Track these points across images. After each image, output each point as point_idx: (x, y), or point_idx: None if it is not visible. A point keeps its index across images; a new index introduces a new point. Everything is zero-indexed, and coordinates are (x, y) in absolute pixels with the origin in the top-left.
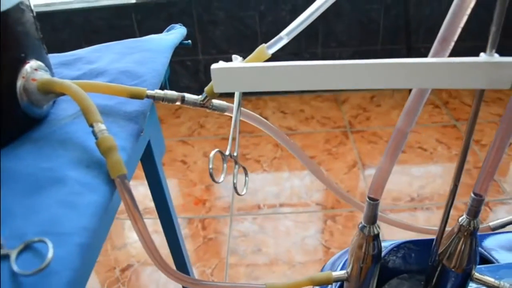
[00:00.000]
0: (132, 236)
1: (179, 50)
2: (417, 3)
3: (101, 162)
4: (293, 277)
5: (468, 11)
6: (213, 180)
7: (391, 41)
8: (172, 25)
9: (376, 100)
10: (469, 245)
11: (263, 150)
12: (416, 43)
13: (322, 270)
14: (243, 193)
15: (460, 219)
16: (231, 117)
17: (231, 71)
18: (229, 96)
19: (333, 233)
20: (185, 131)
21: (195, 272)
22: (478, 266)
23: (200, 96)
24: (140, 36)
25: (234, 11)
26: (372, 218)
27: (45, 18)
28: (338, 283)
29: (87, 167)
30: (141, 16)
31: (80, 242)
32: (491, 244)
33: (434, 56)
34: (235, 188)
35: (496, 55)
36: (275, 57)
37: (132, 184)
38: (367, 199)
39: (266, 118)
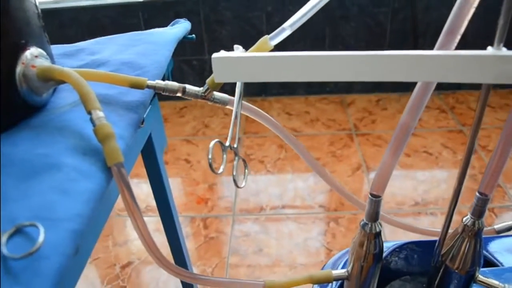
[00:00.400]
0: (133, 234)
1: (186, 50)
2: (425, 7)
3: (98, 150)
4: None
5: (476, 3)
6: (212, 171)
7: (398, 44)
8: (177, 19)
9: (382, 104)
10: (473, 246)
11: (267, 151)
12: (423, 47)
13: (322, 269)
14: (242, 186)
15: (464, 219)
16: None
17: (232, 60)
18: (232, 93)
19: (336, 235)
20: (189, 130)
21: (196, 271)
22: (482, 269)
23: (201, 88)
24: None
25: (241, 11)
26: (374, 215)
27: (53, 15)
28: (338, 282)
29: (83, 154)
30: (148, 14)
31: (73, 228)
32: (496, 247)
33: (440, 48)
34: (234, 180)
35: (504, 49)
36: None
37: (134, 181)
38: (369, 196)
39: None
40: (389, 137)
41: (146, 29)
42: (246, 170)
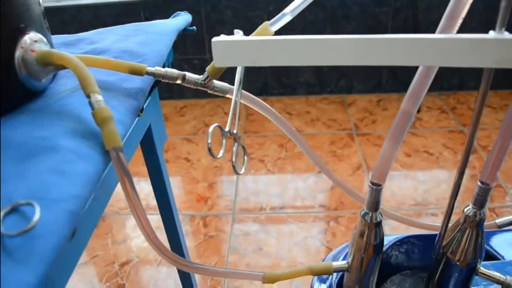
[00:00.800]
0: (132, 232)
1: (187, 49)
2: (426, 7)
3: (96, 134)
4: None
5: None
6: (212, 155)
7: None
8: (178, 12)
9: (382, 104)
10: (475, 237)
11: (267, 150)
12: None
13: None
14: (241, 172)
15: (466, 209)
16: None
17: (233, 44)
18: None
19: (336, 234)
20: (190, 130)
21: None
22: (483, 262)
23: (201, 76)
24: None
25: (242, 10)
26: (374, 204)
27: (55, 13)
28: (339, 275)
29: (82, 137)
30: (150, 13)
31: (69, 209)
32: (497, 241)
33: (441, 33)
34: (233, 166)
35: (506, 33)
36: None
37: (135, 180)
38: (370, 184)
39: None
40: None
41: None
42: (246, 157)
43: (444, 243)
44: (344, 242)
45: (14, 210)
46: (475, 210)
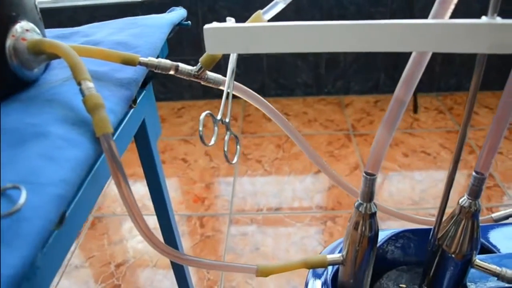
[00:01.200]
0: (129, 233)
1: (184, 50)
2: (423, 7)
3: (87, 121)
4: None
5: None
6: (203, 142)
7: None
8: (173, 7)
9: (380, 105)
10: (470, 229)
11: (264, 150)
12: None
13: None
14: (233, 162)
15: (461, 200)
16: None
17: (225, 31)
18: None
19: (333, 234)
20: (187, 131)
21: (191, 268)
22: (479, 255)
23: (195, 67)
24: None
25: (239, 11)
26: (369, 195)
27: (51, 14)
28: (334, 269)
29: (72, 124)
30: (146, 14)
31: (57, 193)
32: (493, 235)
33: (433, 18)
34: (225, 156)
35: (499, 18)
36: None
37: (130, 182)
38: (364, 174)
39: (269, 120)
40: None
41: None
42: (238, 146)
43: (439, 235)
44: None
45: (2, 194)
46: (470, 200)
